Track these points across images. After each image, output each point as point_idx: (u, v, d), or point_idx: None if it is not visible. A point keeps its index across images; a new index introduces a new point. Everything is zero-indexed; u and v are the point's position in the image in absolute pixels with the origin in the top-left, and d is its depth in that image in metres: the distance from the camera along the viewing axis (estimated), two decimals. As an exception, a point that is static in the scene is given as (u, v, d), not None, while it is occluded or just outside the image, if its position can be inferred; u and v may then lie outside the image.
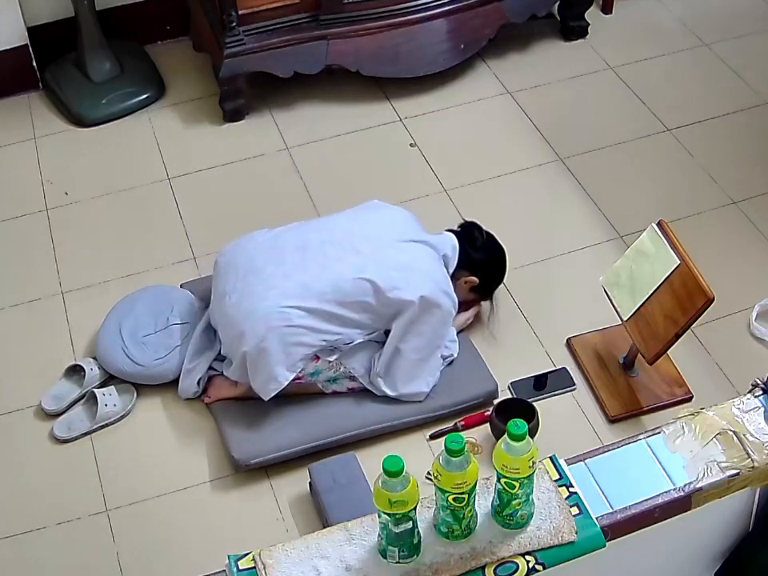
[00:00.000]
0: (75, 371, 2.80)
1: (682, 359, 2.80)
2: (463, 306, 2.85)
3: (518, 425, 1.54)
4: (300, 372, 2.64)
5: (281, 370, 2.59)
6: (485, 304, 2.95)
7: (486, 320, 2.95)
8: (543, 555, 1.62)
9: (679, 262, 2.57)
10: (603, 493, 1.70)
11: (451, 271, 2.77)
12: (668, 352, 2.63)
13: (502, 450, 1.56)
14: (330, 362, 2.66)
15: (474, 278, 2.82)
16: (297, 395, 2.70)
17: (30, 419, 2.76)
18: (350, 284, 2.61)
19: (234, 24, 3.38)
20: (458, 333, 2.84)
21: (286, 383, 2.60)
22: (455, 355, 2.81)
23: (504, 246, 2.88)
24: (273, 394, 2.62)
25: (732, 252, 3.14)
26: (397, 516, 1.54)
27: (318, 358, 2.65)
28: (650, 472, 1.73)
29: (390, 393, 2.71)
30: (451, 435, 1.54)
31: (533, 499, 1.64)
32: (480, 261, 2.83)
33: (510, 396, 2.75)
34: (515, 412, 2.29)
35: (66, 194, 3.39)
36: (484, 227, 2.87)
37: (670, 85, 3.77)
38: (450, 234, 2.84)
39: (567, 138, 3.54)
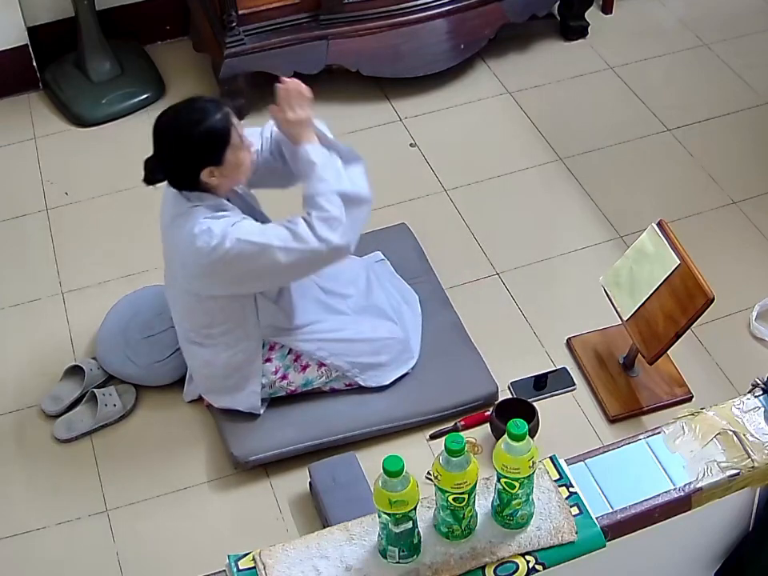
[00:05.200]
0: (75, 371, 2.80)
1: (682, 359, 2.80)
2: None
3: (518, 425, 1.54)
4: (291, 386, 2.65)
5: (242, 398, 2.62)
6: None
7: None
8: (543, 555, 1.62)
9: (679, 262, 2.57)
10: (603, 493, 1.70)
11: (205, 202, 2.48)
12: (668, 352, 2.63)
13: (502, 450, 1.56)
14: (318, 370, 2.66)
15: (205, 171, 2.39)
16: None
17: (29, 419, 2.76)
18: (177, 302, 2.61)
19: (234, 24, 3.38)
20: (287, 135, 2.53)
21: (258, 399, 2.62)
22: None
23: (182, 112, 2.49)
24: (262, 410, 2.65)
25: (732, 252, 3.14)
26: (397, 516, 1.54)
27: (305, 368, 2.65)
28: (650, 472, 1.73)
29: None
30: (451, 435, 1.54)
31: (533, 499, 1.64)
32: (182, 161, 2.44)
33: (510, 396, 2.75)
34: (515, 412, 2.29)
35: (66, 194, 3.39)
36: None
37: (670, 85, 3.77)
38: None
39: (567, 138, 3.54)
